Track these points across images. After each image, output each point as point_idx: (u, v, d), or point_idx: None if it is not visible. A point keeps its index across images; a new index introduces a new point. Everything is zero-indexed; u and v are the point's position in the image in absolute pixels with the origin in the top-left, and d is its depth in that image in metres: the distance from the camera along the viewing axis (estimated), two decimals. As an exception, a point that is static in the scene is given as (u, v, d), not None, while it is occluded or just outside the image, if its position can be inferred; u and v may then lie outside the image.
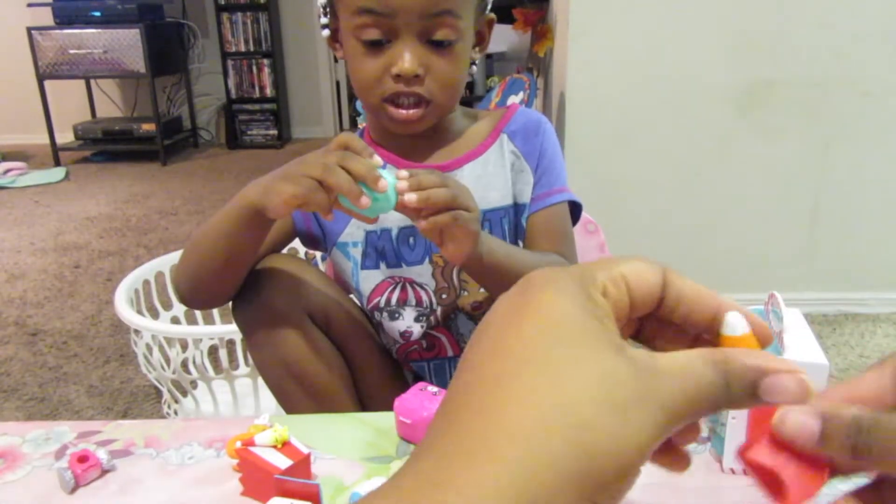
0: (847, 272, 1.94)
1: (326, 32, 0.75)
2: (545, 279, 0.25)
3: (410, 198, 0.59)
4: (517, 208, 0.79)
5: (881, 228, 1.89)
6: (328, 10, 0.74)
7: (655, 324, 0.29)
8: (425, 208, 0.61)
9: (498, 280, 0.71)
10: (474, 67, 0.80)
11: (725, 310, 0.27)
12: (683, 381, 0.24)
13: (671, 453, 0.28)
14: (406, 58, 0.68)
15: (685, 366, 0.24)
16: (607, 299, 0.25)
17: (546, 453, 0.21)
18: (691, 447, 0.58)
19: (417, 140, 0.78)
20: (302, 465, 0.55)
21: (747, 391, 0.24)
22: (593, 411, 0.22)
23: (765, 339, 0.27)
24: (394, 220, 0.77)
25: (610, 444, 0.22)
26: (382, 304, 0.80)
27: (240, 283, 0.75)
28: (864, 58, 1.75)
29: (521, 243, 0.81)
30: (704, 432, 0.60)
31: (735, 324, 0.26)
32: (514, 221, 0.79)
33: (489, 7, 0.77)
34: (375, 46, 0.70)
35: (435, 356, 0.81)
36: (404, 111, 0.71)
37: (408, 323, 0.80)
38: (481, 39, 0.78)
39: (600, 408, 0.22)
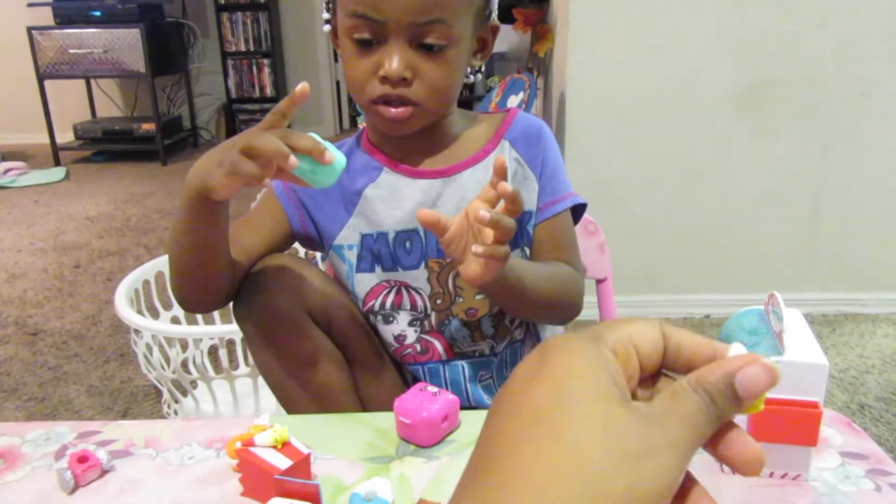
0: (847, 272, 1.94)
1: (328, 28, 0.76)
2: (559, 343, 0.27)
3: (484, 215, 0.58)
4: (521, 216, 0.79)
5: (881, 228, 1.89)
6: (330, 5, 0.75)
7: (667, 380, 0.31)
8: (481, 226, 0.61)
9: (512, 298, 0.72)
10: (479, 75, 0.80)
11: (724, 350, 0.29)
12: (680, 417, 0.26)
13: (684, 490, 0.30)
14: (393, 61, 0.69)
15: (675, 402, 0.26)
16: (617, 358, 0.27)
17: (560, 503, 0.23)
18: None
19: (415, 143, 0.78)
20: (302, 465, 0.55)
21: (729, 398, 0.26)
22: (606, 461, 0.23)
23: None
24: (391, 224, 0.77)
25: (626, 493, 0.23)
26: (377, 307, 0.79)
27: (223, 280, 0.74)
28: (864, 58, 1.75)
29: (526, 250, 0.81)
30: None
31: (739, 351, 0.28)
32: (518, 230, 0.79)
33: (494, 14, 0.76)
34: (366, 47, 0.70)
35: (429, 360, 0.81)
36: (392, 109, 0.71)
37: (402, 327, 0.80)
38: (483, 46, 0.78)
39: (613, 458, 0.23)
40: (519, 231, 0.79)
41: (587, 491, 0.23)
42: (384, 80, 0.70)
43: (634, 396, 0.30)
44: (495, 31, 0.78)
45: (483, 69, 0.81)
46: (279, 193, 0.80)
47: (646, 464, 0.24)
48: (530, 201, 0.80)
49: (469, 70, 0.79)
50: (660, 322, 0.29)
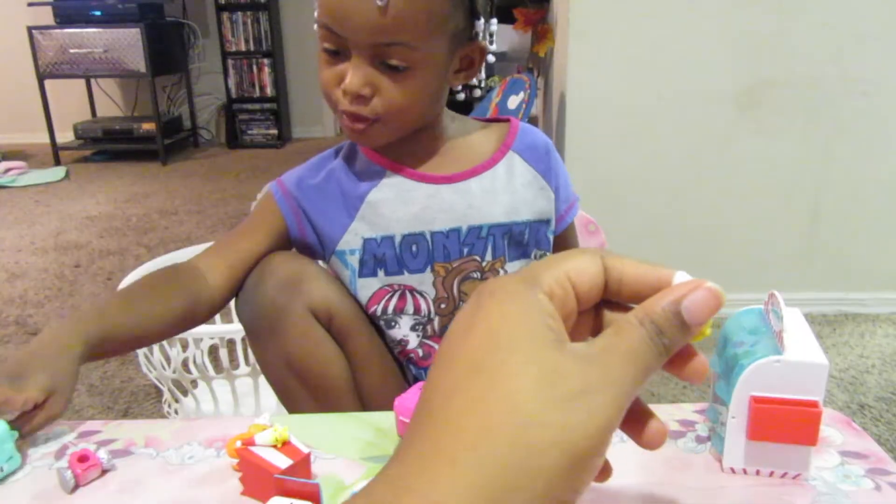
0: (847, 272, 1.94)
1: (317, 27, 0.76)
2: (494, 288, 0.27)
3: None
4: (539, 224, 0.81)
5: (881, 228, 1.89)
6: None
7: (611, 311, 0.31)
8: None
9: None
10: (478, 90, 0.82)
11: (667, 274, 0.28)
12: (623, 353, 0.25)
13: (639, 423, 0.30)
14: (353, 78, 0.69)
15: (618, 338, 0.26)
16: (553, 300, 0.27)
17: (493, 455, 0.23)
18: (691, 447, 0.58)
19: (411, 148, 0.78)
20: (302, 464, 0.55)
21: (678, 326, 0.26)
22: (539, 408, 0.24)
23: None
24: (397, 227, 0.77)
25: (558, 437, 0.23)
26: (379, 312, 0.79)
27: (186, 323, 0.75)
28: (864, 58, 1.75)
29: (547, 255, 0.82)
30: (704, 432, 0.60)
31: (683, 278, 0.28)
32: (535, 237, 0.80)
33: (481, 35, 0.75)
34: (333, 57, 0.71)
35: (431, 364, 0.81)
36: (349, 122, 0.72)
37: (404, 332, 0.80)
38: (469, 65, 0.77)
39: (545, 404, 0.24)
40: (535, 239, 0.80)
41: (519, 438, 0.23)
42: (344, 93, 0.71)
43: (576, 333, 0.30)
44: (483, 51, 0.77)
45: (483, 83, 0.81)
46: (278, 199, 0.80)
47: (579, 405, 0.24)
48: (549, 211, 0.81)
49: (473, 84, 0.80)
50: (600, 253, 0.29)
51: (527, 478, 0.23)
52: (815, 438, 0.51)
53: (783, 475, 0.54)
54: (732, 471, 0.55)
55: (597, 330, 0.31)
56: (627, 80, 1.80)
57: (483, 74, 0.81)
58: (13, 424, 0.59)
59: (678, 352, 0.27)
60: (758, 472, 0.54)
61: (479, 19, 0.74)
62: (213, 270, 0.77)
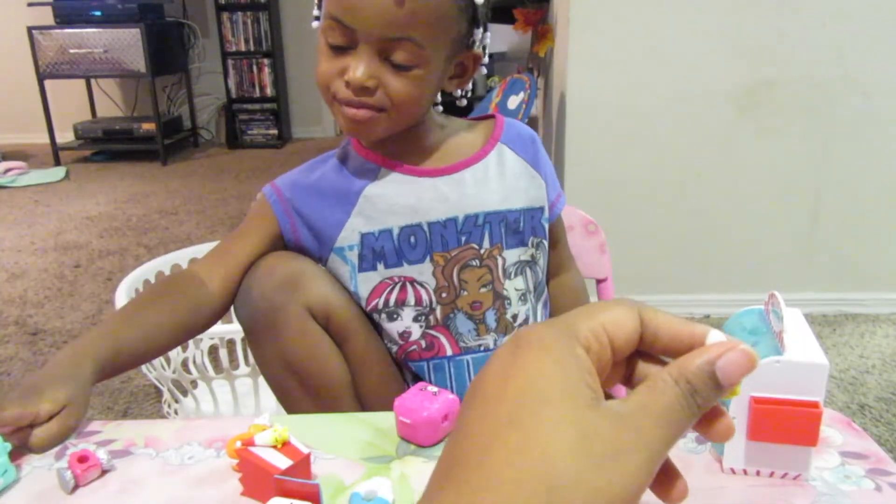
0: (847, 272, 1.94)
1: (316, 24, 0.76)
2: (532, 339, 0.27)
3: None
4: (533, 211, 0.82)
5: (881, 228, 1.89)
6: (320, 4, 0.75)
7: (643, 361, 0.31)
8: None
9: None
10: (464, 101, 0.82)
11: (700, 332, 0.28)
12: (657, 413, 0.26)
13: (666, 480, 0.30)
14: (358, 69, 0.70)
15: (652, 397, 0.26)
16: (590, 353, 0.27)
17: None
18: (691, 447, 0.58)
19: (403, 145, 0.79)
20: (302, 465, 0.55)
21: (711, 386, 0.26)
22: (573, 468, 0.24)
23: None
24: (395, 220, 0.78)
25: (589, 499, 0.23)
26: (380, 305, 0.80)
27: (191, 331, 0.77)
28: (864, 58, 1.75)
29: (545, 243, 0.84)
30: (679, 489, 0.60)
31: (717, 337, 0.28)
32: (530, 224, 0.82)
33: (478, 44, 0.77)
34: (338, 50, 0.72)
35: (434, 355, 0.81)
36: (353, 109, 0.73)
37: (406, 323, 0.80)
38: (463, 72, 0.79)
39: (580, 464, 0.24)
40: (531, 226, 0.81)
41: (553, 497, 0.23)
42: (348, 84, 0.71)
43: (608, 380, 0.30)
44: (477, 59, 0.79)
45: (469, 93, 0.83)
46: (272, 202, 0.81)
47: (613, 467, 0.24)
48: (541, 198, 0.83)
49: (460, 92, 0.81)
50: (637, 307, 0.29)
51: None
52: (815, 439, 0.51)
53: (783, 476, 0.54)
54: (732, 471, 0.55)
55: (628, 377, 0.31)
56: (627, 80, 1.80)
57: (470, 86, 0.83)
58: (17, 438, 0.59)
59: (708, 411, 0.28)
60: (758, 473, 0.54)
61: (478, 28, 0.76)
62: (212, 277, 0.78)
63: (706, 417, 0.29)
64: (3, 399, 0.60)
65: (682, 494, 0.30)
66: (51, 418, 0.61)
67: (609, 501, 0.23)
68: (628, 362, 0.31)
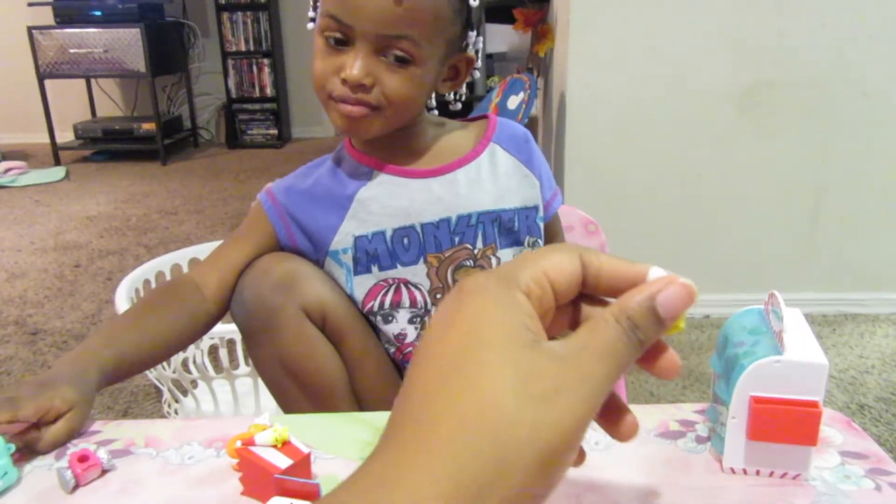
0: (847, 272, 1.94)
1: (312, 25, 0.77)
2: (473, 287, 0.28)
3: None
4: (527, 211, 0.82)
5: (881, 228, 1.89)
6: (316, 4, 0.76)
7: (588, 303, 0.32)
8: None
9: None
10: (459, 104, 0.83)
11: (641, 270, 0.29)
12: (597, 351, 0.26)
13: (614, 417, 0.30)
14: (355, 66, 0.70)
15: (593, 335, 0.27)
16: (531, 298, 0.28)
17: (470, 451, 0.24)
18: (691, 447, 0.58)
19: (396, 147, 0.79)
20: (302, 464, 0.55)
21: (652, 321, 0.27)
22: (514, 406, 0.24)
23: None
24: (388, 222, 0.78)
25: (533, 435, 0.24)
26: (376, 307, 0.80)
27: (191, 335, 0.78)
28: (864, 58, 1.75)
29: (540, 242, 0.84)
30: (704, 432, 0.60)
31: (658, 273, 0.29)
32: (525, 224, 0.82)
33: (471, 48, 0.78)
34: (334, 48, 0.72)
35: None
36: (348, 106, 0.73)
37: (402, 325, 0.80)
38: (455, 74, 0.79)
39: (520, 402, 0.24)
40: (526, 225, 0.81)
41: (495, 435, 0.24)
42: (344, 82, 0.72)
43: (554, 326, 0.30)
44: (470, 63, 0.79)
45: (463, 96, 0.83)
46: (267, 208, 0.81)
47: (554, 404, 0.24)
48: (535, 197, 0.83)
49: (452, 97, 0.81)
50: (579, 251, 0.30)
51: (502, 473, 0.24)
52: (815, 438, 0.51)
53: (783, 475, 0.54)
54: (732, 471, 0.55)
55: (574, 322, 0.32)
56: (627, 80, 1.80)
57: (464, 89, 0.83)
58: (21, 438, 0.59)
59: (650, 348, 0.28)
60: (758, 473, 0.54)
61: (472, 31, 0.77)
62: (207, 283, 0.78)
63: (650, 353, 0.29)
64: (15, 396, 0.60)
65: (632, 430, 0.30)
66: (57, 419, 0.61)
67: (552, 437, 0.24)
68: (574, 306, 0.31)
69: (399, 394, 0.27)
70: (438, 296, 0.79)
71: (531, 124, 2.29)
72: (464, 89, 0.83)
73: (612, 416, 0.30)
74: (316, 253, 0.81)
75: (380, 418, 0.65)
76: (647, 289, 0.27)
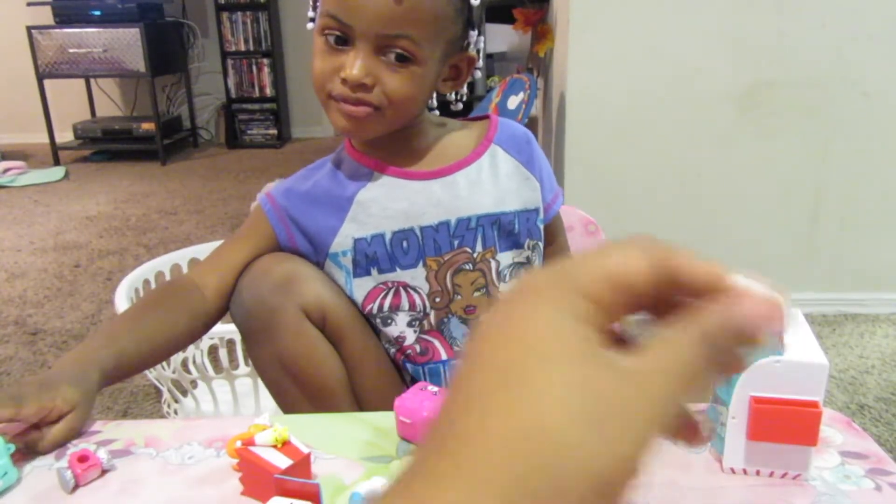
0: (847, 272, 1.94)
1: (311, 25, 0.76)
2: (526, 288, 0.25)
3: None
4: (528, 213, 0.82)
5: (881, 228, 1.89)
6: (316, 4, 0.76)
7: (665, 306, 0.28)
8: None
9: None
10: (460, 104, 0.82)
11: (722, 276, 0.26)
12: (665, 367, 0.23)
13: (684, 432, 0.28)
14: (355, 65, 0.70)
15: (661, 350, 0.24)
16: (591, 302, 0.25)
17: (514, 475, 0.21)
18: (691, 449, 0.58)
19: (397, 147, 0.79)
20: (302, 464, 0.55)
21: (729, 338, 0.24)
22: (566, 427, 0.22)
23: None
24: (387, 225, 0.78)
25: (586, 459, 0.21)
26: (375, 310, 0.80)
27: (191, 335, 0.78)
28: (864, 58, 1.75)
29: (540, 245, 0.83)
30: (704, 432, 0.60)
31: (740, 283, 0.26)
32: (525, 226, 0.81)
33: (472, 47, 0.78)
34: (334, 47, 0.72)
35: (428, 360, 0.81)
36: (350, 106, 0.72)
37: (400, 328, 0.80)
38: (457, 74, 0.79)
39: (574, 423, 0.22)
40: (526, 228, 0.81)
41: (544, 459, 0.21)
42: (344, 81, 0.71)
43: (619, 339, 0.27)
44: (471, 62, 0.79)
45: (464, 96, 0.83)
46: (267, 210, 0.81)
47: (613, 426, 0.22)
48: (535, 199, 0.82)
49: (453, 97, 0.81)
50: (651, 248, 0.26)
51: (549, 501, 0.21)
52: (815, 439, 0.51)
53: (783, 475, 0.54)
54: (732, 471, 0.55)
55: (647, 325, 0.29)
56: (627, 80, 1.80)
57: (465, 89, 0.82)
58: (21, 439, 0.59)
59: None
60: (758, 473, 0.54)
61: (473, 30, 0.76)
62: (207, 284, 0.78)
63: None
64: (17, 395, 0.60)
65: (705, 436, 0.28)
66: (58, 419, 0.61)
67: (608, 462, 0.21)
68: (650, 309, 0.28)
69: (443, 400, 0.25)
70: (437, 299, 0.79)
71: (531, 124, 2.29)
72: (465, 89, 0.82)
73: (684, 430, 0.28)
74: (316, 255, 0.81)
75: (381, 418, 0.65)
76: (727, 303, 0.24)
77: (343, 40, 0.71)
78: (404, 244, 0.78)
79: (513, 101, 2.10)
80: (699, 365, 0.24)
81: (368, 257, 0.78)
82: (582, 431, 0.22)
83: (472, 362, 0.24)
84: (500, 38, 3.19)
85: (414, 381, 0.81)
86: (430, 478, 0.22)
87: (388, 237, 0.78)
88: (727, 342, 0.24)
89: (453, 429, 0.23)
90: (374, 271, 0.79)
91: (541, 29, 2.17)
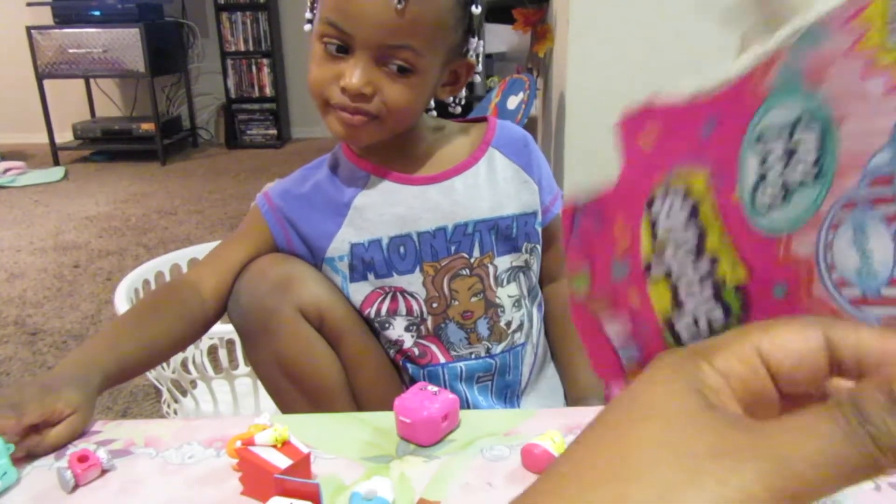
0: (846, 272, 1.94)
1: (309, 27, 0.76)
2: (657, 359, 0.24)
3: None
4: (526, 217, 0.81)
5: (880, 229, 1.90)
6: (314, 6, 0.75)
7: None
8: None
9: None
10: (458, 108, 0.82)
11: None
12: (796, 427, 0.20)
13: None
14: (355, 75, 0.69)
15: (801, 415, 0.20)
16: (729, 377, 0.22)
17: None
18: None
19: (395, 151, 0.79)
20: (302, 464, 0.55)
21: (889, 412, 0.19)
22: (649, 465, 0.20)
23: None
24: (384, 230, 0.78)
25: (658, 500, 0.19)
26: (372, 315, 0.80)
27: (190, 337, 0.78)
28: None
29: (538, 248, 0.83)
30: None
31: None
32: (524, 230, 0.81)
33: (471, 53, 0.77)
34: (333, 55, 0.71)
35: (427, 363, 0.81)
36: (347, 114, 0.72)
37: (398, 333, 0.80)
38: (455, 80, 0.79)
39: (658, 460, 0.20)
40: (525, 232, 0.80)
41: (619, 496, 0.20)
42: (343, 90, 0.70)
43: None
44: (470, 68, 0.79)
45: (462, 99, 0.82)
46: (265, 212, 0.81)
47: (705, 468, 0.19)
48: (533, 203, 0.82)
49: (452, 100, 0.81)
50: (824, 325, 0.22)
51: None
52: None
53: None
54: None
55: None
56: (627, 80, 1.80)
57: (463, 93, 0.82)
58: (25, 439, 0.59)
59: None
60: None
61: (473, 37, 0.76)
62: (206, 286, 0.78)
63: None
64: (18, 400, 0.59)
65: None
66: (59, 421, 0.61)
67: (709, 499, 0.19)
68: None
69: (553, 470, 0.24)
70: (434, 305, 0.79)
71: (531, 124, 2.29)
72: (463, 93, 0.82)
73: None
74: (313, 258, 0.81)
75: (381, 418, 0.65)
76: (885, 369, 0.20)
77: (343, 48, 0.70)
78: (401, 249, 0.78)
79: (512, 102, 2.10)
80: (842, 437, 0.19)
81: (365, 262, 0.78)
82: (662, 466, 0.20)
83: (591, 424, 0.23)
84: (499, 38, 3.19)
85: (413, 381, 0.81)
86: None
87: (385, 242, 0.78)
88: (883, 415, 0.19)
89: (549, 475, 0.22)
90: (370, 276, 0.79)
91: (541, 29, 2.17)
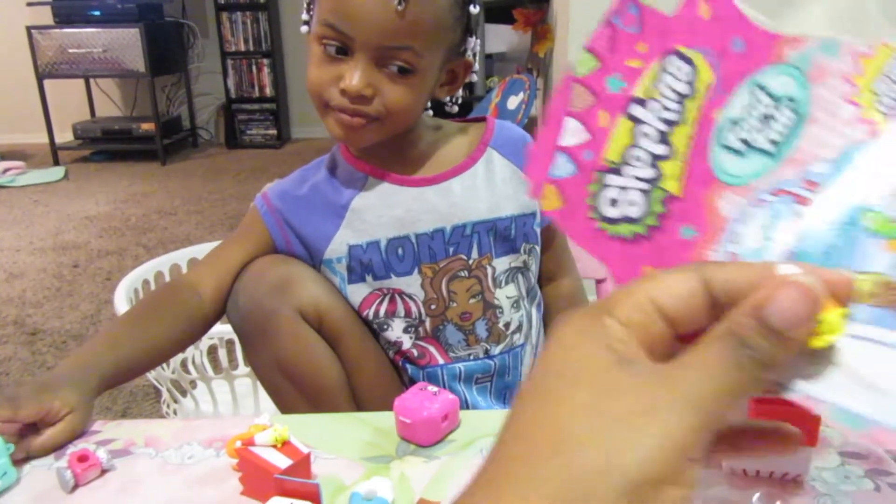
0: (846, 273, 1.94)
1: (305, 29, 0.76)
2: (562, 322, 0.25)
3: None
4: (524, 218, 0.81)
5: (880, 229, 1.90)
6: (311, 8, 0.75)
7: None
8: None
9: None
10: (455, 107, 0.83)
11: (770, 271, 0.23)
12: (696, 368, 0.22)
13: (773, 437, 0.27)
14: (354, 77, 0.69)
15: (693, 354, 0.23)
16: (629, 326, 0.24)
17: (534, 484, 0.21)
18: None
19: (393, 152, 0.79)
20: (302, 464, 0.55)
21: (764, 335, 0.22)
22: (585, 427, 0.21)
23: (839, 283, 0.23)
24: (382, 232, 0.78)
25: (607, 461, 0.21)
26: (371, 316, 0.80)
27: (189, 338, 0.78)
28: (864, 59, 1.75)
29: (537, 248, 0.83)
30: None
31: (786, 271, 0.23)
32: (522, 231, 0.81)
33: (469, 52, 0.78)
34: (332, 56, 0.71)
35: (426, 364, 0.81)
36: (347, 116, 0.72)
37: (397, 334, 0.80)
38: (453, 79, 0.79)
39: (593, 422, 0.21)
40: (523, 232, 0.80)
41: (563, 464, 0.21)
42: (343, 92, 0.70)
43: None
44: (468, 67, 0.79)
45: (459, 99, 0.82)
46: (263, 213, 0.81)
47: (636, 426, 0.21)
48: (532, 204, 0.81)
49: (449, 100, 0.81)
50: (698, 268, 0.24)
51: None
52: (815, 439, 0.51)
53: (783, 476, 0.54)
54: (733, 472, 0.55)
55: None
56: (627, 80, 1.80)
57: (460, 92, 0.82)
58: (23, 438, 0.59)
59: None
60: (758, 473, 0.54)
61: (471, 36, 0.76)
62: (205, 287, 0.78)
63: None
64: (15, 396, 0.60)
65: (794, 442, 0.27)
66: (57, 421, 0.61)
67: (632, 463, 0.21)
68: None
69: (500, 432, 0.25)
70: (433, 306, 0.79)
71: (531, 124, 2.29)
72: (460, 92, 0.82)
73: (764, 437, 0.27)
74: (312, 260, 0.81)
75: (381, 418, 0.65)
76: (754, 297, 0.22)
77: (342, 50, 0.70)
78: (399, 251, 0.78)
79: (512, 102, 2.10)
80: (730, 365, 0.22)
81: (363, 264, 0.78)
82: (602, 428, 0.21)
83: (523, 392, 0.25)
84: (499, 38, 3.19)
85: (413, 381, 0.81)
86: (476, 495, 0.23)
87: (383, 244, 0.78)
88: (756, 337, 0.22)
89: (492, 450, 0.24)
90: (368, 278, 0.79)
91: (541, 29, 2.17)
